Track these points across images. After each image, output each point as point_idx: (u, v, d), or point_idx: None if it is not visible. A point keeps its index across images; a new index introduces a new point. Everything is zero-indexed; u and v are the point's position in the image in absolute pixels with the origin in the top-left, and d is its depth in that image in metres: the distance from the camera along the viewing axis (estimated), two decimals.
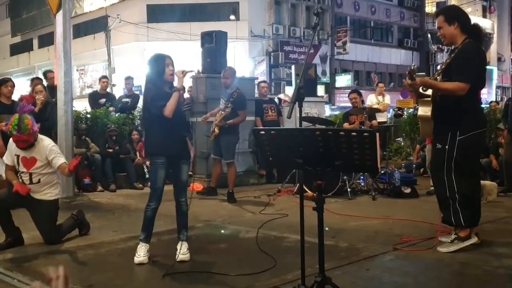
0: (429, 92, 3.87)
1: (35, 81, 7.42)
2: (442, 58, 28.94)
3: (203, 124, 7.65)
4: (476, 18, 32.46)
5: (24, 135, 4.02)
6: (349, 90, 10.38)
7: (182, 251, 3.65)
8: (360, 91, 8.41)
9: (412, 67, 3.76)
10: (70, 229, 4.44)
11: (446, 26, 3.83)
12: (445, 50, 27.91)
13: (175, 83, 3.75)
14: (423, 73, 4.17)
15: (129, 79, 9.36)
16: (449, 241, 3.84)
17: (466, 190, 3.81)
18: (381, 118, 9.90)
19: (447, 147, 3.78)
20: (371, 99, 10.22)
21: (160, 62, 3.70)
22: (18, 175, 4.25)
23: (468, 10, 32.50)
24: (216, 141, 6.40)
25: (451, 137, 3.78)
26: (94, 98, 8.77)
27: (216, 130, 6.28)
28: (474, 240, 3.83)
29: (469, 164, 3.84)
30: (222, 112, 6.30)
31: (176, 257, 3.63)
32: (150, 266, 3.59)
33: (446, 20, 3.82)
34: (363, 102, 7.91)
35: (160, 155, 3.69)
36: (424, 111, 3.95)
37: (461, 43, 3.79)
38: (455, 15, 3.90)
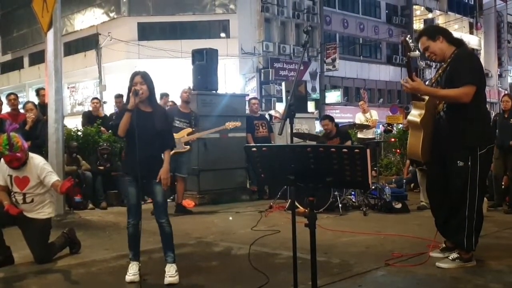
0: (426, 96, 3.70)
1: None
2: (430, 74, 29.32)
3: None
4: (463, 35, 33.11)
5: (17, 153, 4.00)
6: (339, 106, 10.46)
7: (170, 274, 3.57)
8: (349, 106, 8.44)
9: (406, 38, 3.52)
10: (61, 248, 4.40)
11: (431, 43, 3.77)
12: (433, 66, 28.29)
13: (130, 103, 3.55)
14: (418, 53, 3.97)
15: (119, 97, 9.33)
16: (450, 258, 3.76)
17: (481, 208, 3.71)
18: (369, 134, 10.04)
19: (469, 163, 3.58)
20: (359, 117, 10.31)
21: (130, 81, 3.66)
22: (12, 194, 4.22)
23: (455, 27, 33.16)
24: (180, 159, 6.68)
25: (472, 153, 3.59)
26: (88, 120, 8.74)
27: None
28: (474, 263, 3.75)
29: (485, 179, 3.74)
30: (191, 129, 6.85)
31: (164, 280, 3.56)
32: (141, 284, 3.56)
33: (430, 38, 3.78)
34: (337, 125, 7.47)
35: (126, 173, 3.72)
36: (414, 115, 3.71)
37: (452, 54, 3.74)
38: (436, 30, 3.91)
